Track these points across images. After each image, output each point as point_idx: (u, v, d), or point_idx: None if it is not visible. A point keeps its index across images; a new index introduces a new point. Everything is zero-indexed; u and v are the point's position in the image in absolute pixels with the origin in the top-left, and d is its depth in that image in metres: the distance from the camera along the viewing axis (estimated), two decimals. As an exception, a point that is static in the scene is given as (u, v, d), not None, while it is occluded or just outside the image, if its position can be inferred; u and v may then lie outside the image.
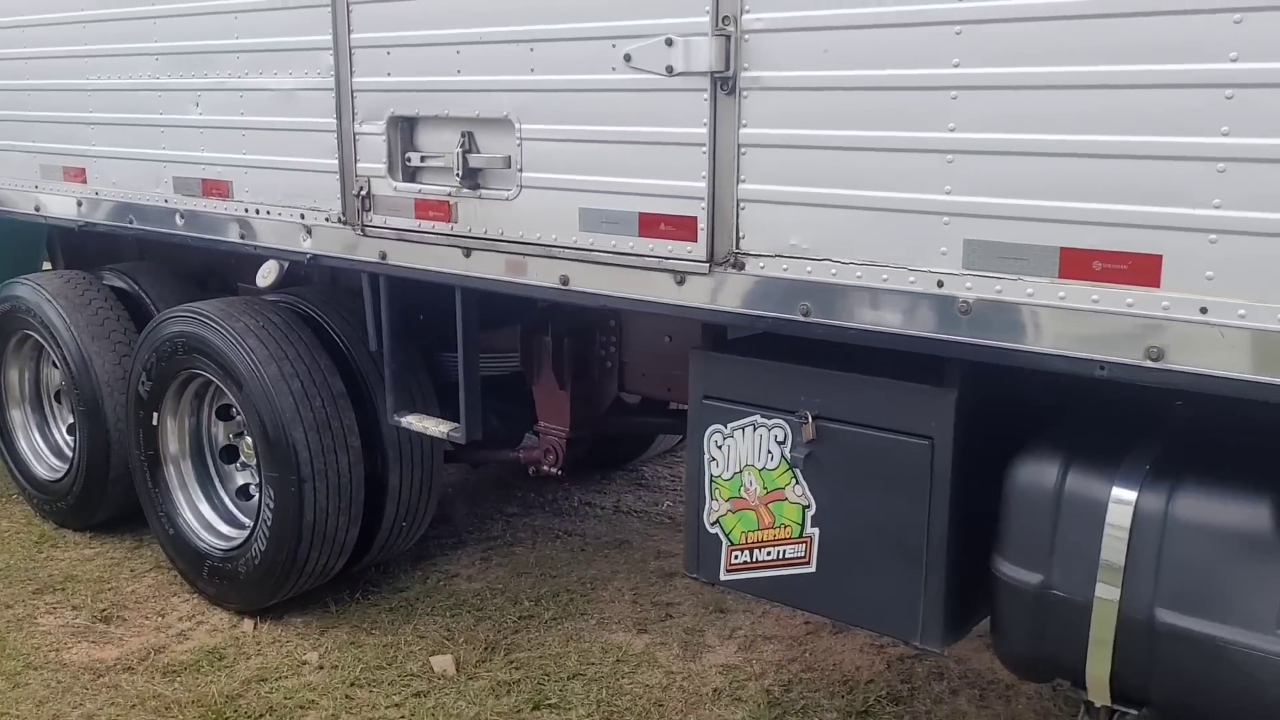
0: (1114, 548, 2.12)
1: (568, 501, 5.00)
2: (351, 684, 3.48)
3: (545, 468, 3.97)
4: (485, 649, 3.70)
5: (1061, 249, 2.02)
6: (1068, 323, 2.03)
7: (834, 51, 2.23)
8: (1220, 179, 1.84)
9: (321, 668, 3.58)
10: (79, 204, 4.09)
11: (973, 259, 2.12)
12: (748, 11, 2.33)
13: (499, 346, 3.99)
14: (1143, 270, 1.92)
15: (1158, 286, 1.92)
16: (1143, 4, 1.85)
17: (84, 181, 4.02)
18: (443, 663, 3.61)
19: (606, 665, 3.58)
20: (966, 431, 2.33)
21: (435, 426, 3.28)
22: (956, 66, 2.08)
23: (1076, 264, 2.00)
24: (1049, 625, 2.23)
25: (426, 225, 3.00)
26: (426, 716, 3.29)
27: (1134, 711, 2.20)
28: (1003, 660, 2.41)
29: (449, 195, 2.93)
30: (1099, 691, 2.19)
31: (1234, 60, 1.80)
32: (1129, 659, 2.13)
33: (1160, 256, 1.91)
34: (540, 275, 2.78)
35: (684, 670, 3.55)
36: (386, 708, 3.35)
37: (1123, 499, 2.13)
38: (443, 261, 2.98)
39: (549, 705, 3.36)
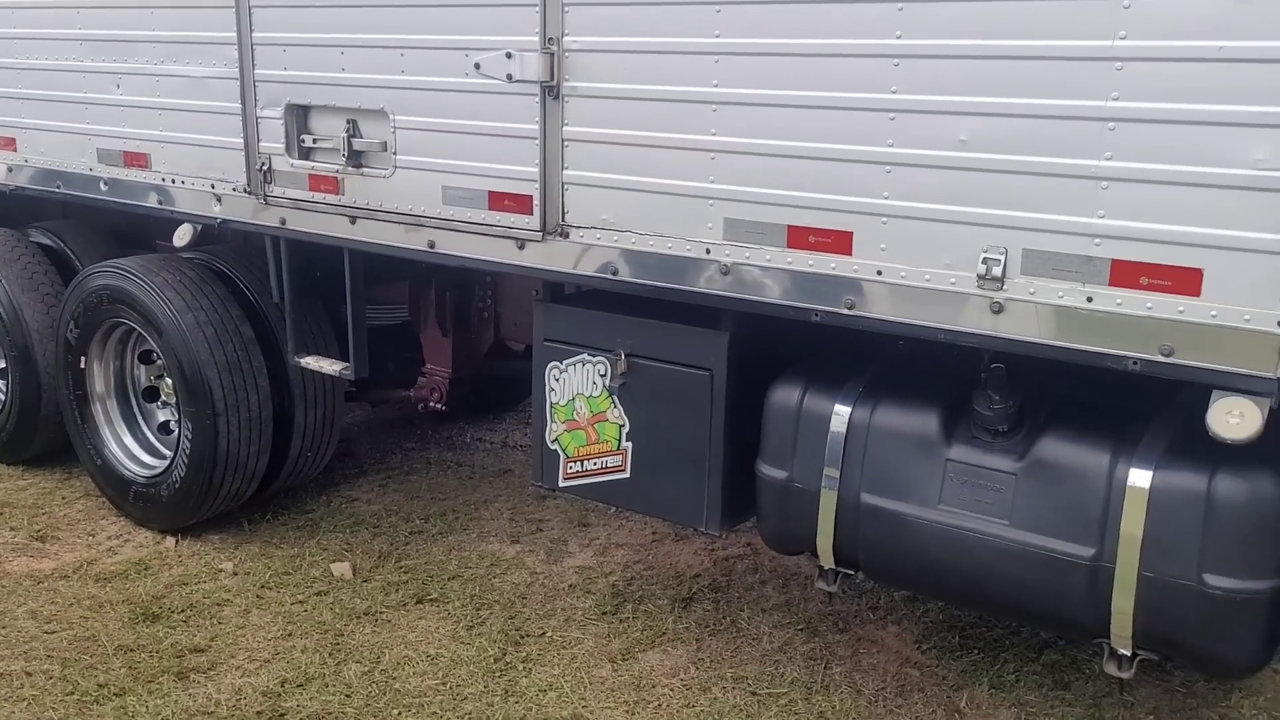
0: (834, 450, 2.89)
1: (460, 438, 5.67)
2: (262, 586, 4.14)
3: (432, 404, 4.65)
4: (379, 557, 4.38)
5: (788, 226, 2.75)
6: (793, 280, 2.77)
7: (631, 70, 2.92)
8: (888, 178, 2.58)
9: (236, 574, 4.23)
10: (9, 169, 4.61)
11: (730, 232, 2.84)
12: (567, 35, 3.01)
13: (392, 299, 4.65)
14: (841, 243, 2.66)
15: (851, 255, 2.67)
16: (814, 47, 2.57)
17: (14, 150, 4.54)
18: (341, 568, 4.28)
19: (481, 569, 4.29)
20: (737, 365, 3.07)
21: (329, 366, 3.94)
22: (716, 86, 2.79)
23: (798, 238, 2.73)
24: (791, 510, 3.00)
25: (319, 197, 3.64)
26: (326, 610, 3.97)
27: (851, 572, 2.98)
28: (764, 539, 3.18)
29: (337, 172, 3.57)
30: (826, 558, 2.96)
31: (894, 92, 2.53)
32: (845, 531, 2.91)
33: (851, 233, 2.65)
34: (412, 240, 3.45)
35: (546, 571, 4.28)
36: (291, 604, 4.01)
37: (840, 414, 2.89)
38: (332, 227, 3.62)
39: (430, 600, 4.06)
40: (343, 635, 3.80)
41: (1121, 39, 2.26)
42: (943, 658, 3.57)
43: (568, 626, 3.85)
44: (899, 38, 2.51)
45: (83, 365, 4.50)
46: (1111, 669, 2.64)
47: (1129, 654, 2.60)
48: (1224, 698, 3.36)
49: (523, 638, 3.79)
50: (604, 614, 3.94)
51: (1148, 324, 2.33)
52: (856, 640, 3.71)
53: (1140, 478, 2.49)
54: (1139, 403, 2.62)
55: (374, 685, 3.49)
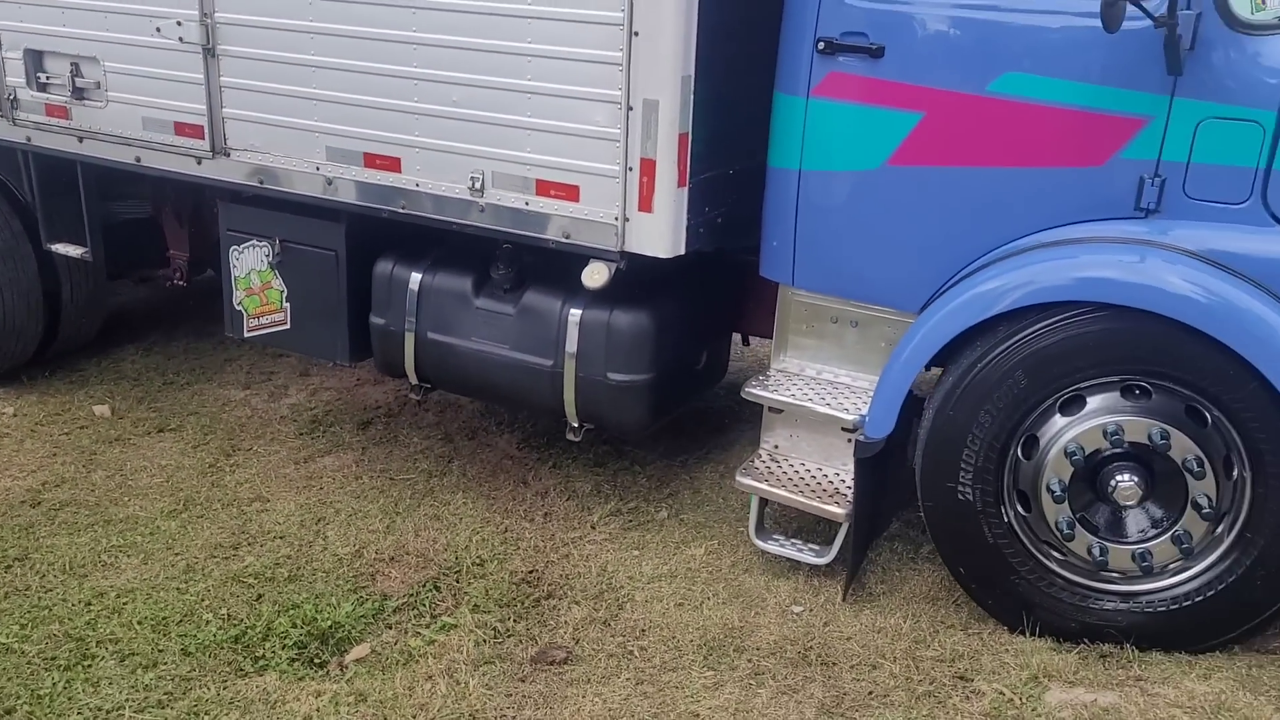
0: (411, 304, 4.39)
1: (214, 309, 6.99)
2: (36, 424, 5.48)
3: (176, 281, 5.97)
4: (134, 401, 5.75)
5: (364, 153, 4.18)
6: (369, 190, 4.22)
7: (261, 39, 4.27)
8: (417, 123, 4.03)
9: (16, 415, 5.55)
10: None
11: (330, 156, 4.27)
12: (217, 12, 4.33)
13: (141, 196, 5.91)
14: (393, 165, 4.12)
15: (400, 173, 4.12)
16: (369, 34, 3.97)
17: None
18: (102, 410, 5.65)
19: (215, 407, 5.70)
20: (352, 247, 4.51)
21: (74, 250, 5.24)
22: (313, 55, 4.18)
23: (370, 161, 4.17)
24: (389, 346, 4.50)
25: (53, 121, 4.89)
26: (85, 438, 5.34)
27: (428, 385, 4.53)
28: (377, 368, 4.69)
29: (66, 102, 4.83)
30: (412, 377, 4.50)
31: (415, 67, 3.96)
32: (420, 358, 4.44)
33: (400, 158, 4.10)
34: (123, 156, 4.76)
35: (265, 408, 5.73)
36: (59, 435, 5.37)
37: (415, 279, 4.39)
38: (65, 145, 4.90)
39: (170, 429, 5.47)
40: (96, 454, 5.19)
41: (530, 44, 3.72)
42: (530, 454, 5.17)
43: (270, 443, 5.32)
44: (414, 31, 3.93)
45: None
46: (570, 435, 4.28)
47: (578, 425, 4.22)
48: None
49: (234, 451, 5.25)
50: (300, 434, 5.42)
51: (557, 219, 3.88)
52: (478, 445, 5.29)
53: (575, 315, 4.07)
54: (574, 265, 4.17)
55: (113, 483, 4.91)
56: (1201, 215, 3.24)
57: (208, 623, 3.87)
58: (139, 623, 3.86)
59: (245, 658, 3.71)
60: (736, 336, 4.96)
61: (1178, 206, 3.26)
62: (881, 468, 3.67)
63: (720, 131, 3.82)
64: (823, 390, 3.93)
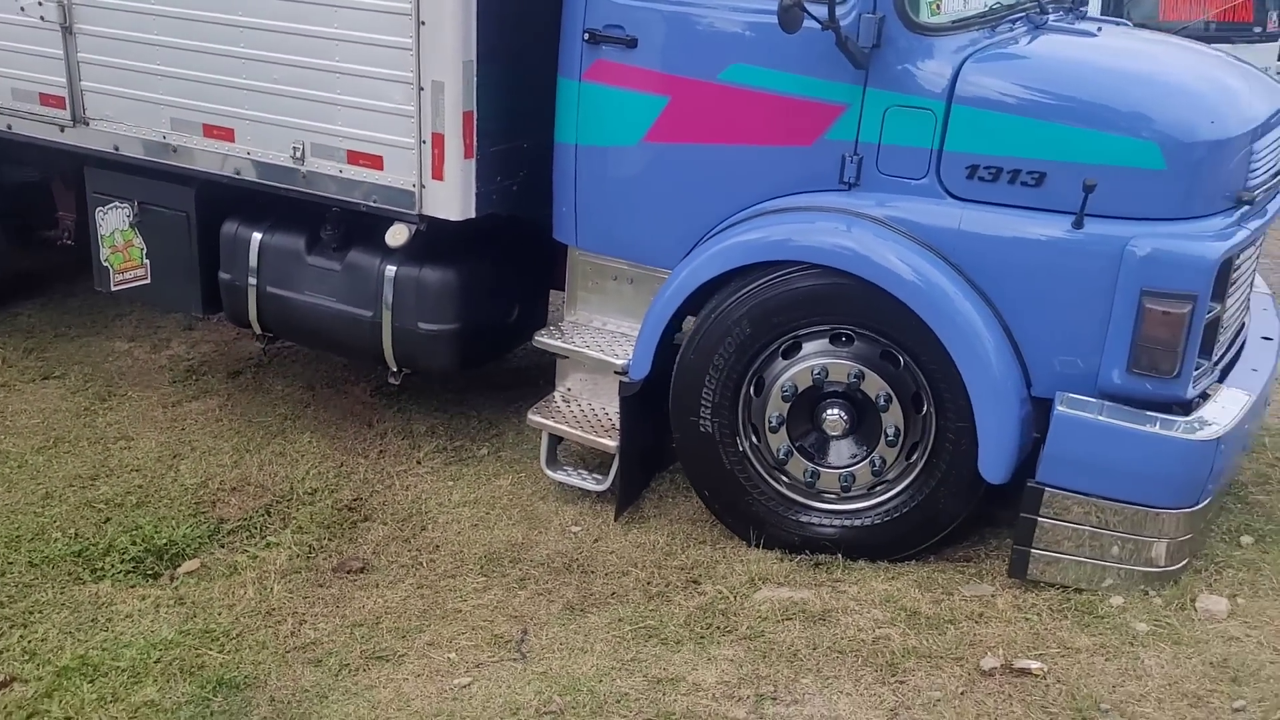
0: (253, 261, 4.91)
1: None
2: (-70, 370, 5.97)
3: (65, 240, 6.45)
4: (24, 352, 6.25)
5: (203, 124, 4.70)
6: (209, 158, 4.74)
7: (112, 19, 4.76)
8: (246, 97, 4.54)
9: (-89, 363, 6.04)
10: None
11: (174, 126, 4.78)
12: (73, -7, 4.82)
13: (30, 162, 6.37)
14: (228, 135, 4.63)
15: (234, 142, 4.64)
16: (203, 18, 4.48)
17: None
18: (-7, 359, 6.15)
19: (99, 357, 6.20)
20: (202, 209, 5.02)
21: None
22: (156, 35, 4.67)
23: (208, 131, 4.69)
24: (236, 299, 5.03)
25: (-67, 91, 5.36)
26: (-25, 383, 5.84)
27: (271, 335, 5.06)
28: (227, 319, 5.22)
29: (-56, 74, 5.31)
30: (256, 327, 5.04)
31: (242, 47, 4.48)
32: (263, 310, 4.97)
33: (233, 129, 4.61)
34: (4, 123, 5.25)
35: (146, 358, 6.24)
36: (-51, 380, 5.87)
37: (256, 239, 4.91)
38: (-56, 113, 5.38)
39: (55, 377, 5.97)
40: (-20, 398, 5.69)
41: (337, 29, 4.24)
42: (380, 400, 5.70)
43: (145, 390, 5.84)
44: (241, 15, 4.44)
45: None
46: (391, 380, 4.84)
47: (396, 369, 4.78)
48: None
49: (110, 396, 5.77)
50: (174, 382, 5.95)
51: (365, 185, 4.42)
52: (335, 392, 5.82)
53: (390, 271, 4.62)
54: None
55: (-9, 423, 5.43)
56: (891, 189, 3.82)
57: (55, 540, 4.41)
58: (-6, 539, 4.40)
59: (85, 569, 4.27)
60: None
61: (873, 181, 3.84)
62: (655, 407, 4.25)
63: (510, 110, 4.36)
64: (603, 339, 4.50)
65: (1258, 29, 11.29)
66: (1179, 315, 3.47)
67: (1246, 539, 4.05)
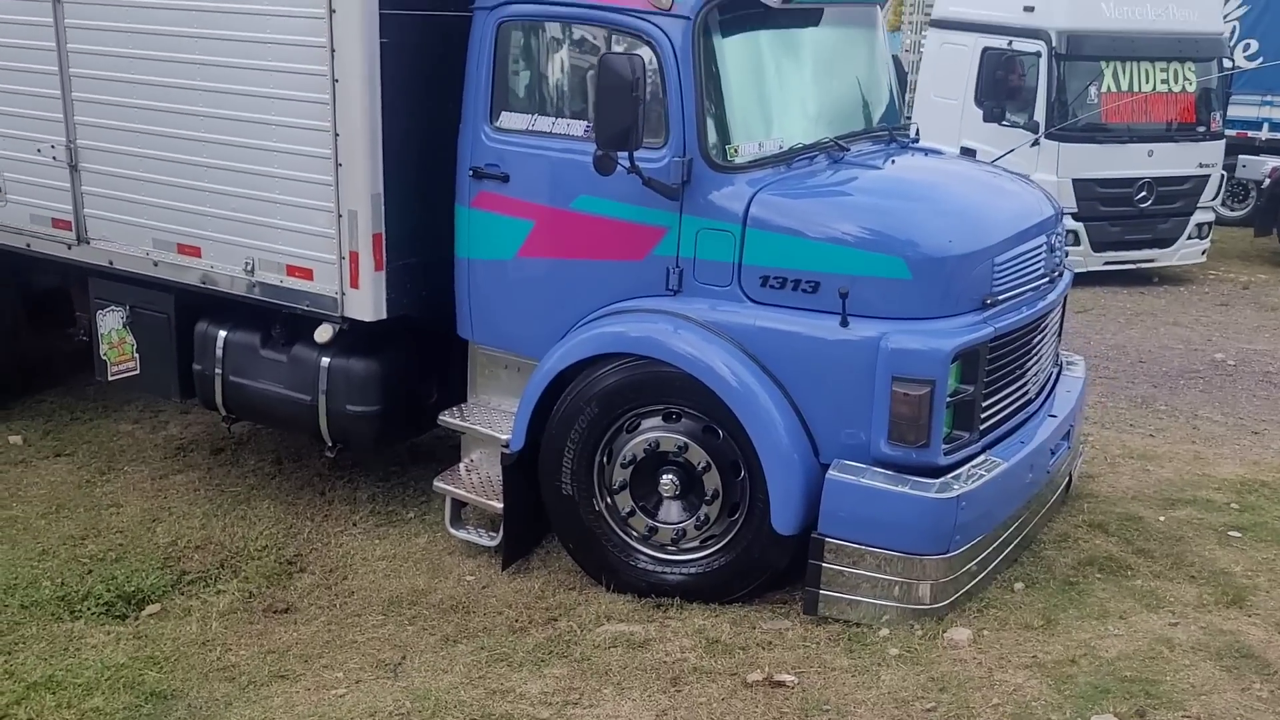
0: (219, 354, 5.92)
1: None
2: (-38, 450, 7.05)
3: (81, 336, 7.54)
4: (43, 433, 7.32)
5: (178, 243, 5.76)
6: (182, 271, 5.78)
7: (105, 160, 5.86)
8: (209, 221, 5.60)
9: (-54, 444, 7.13)
10: None
11: (156, 244, 5.85)
12: (78, 139, 5.94)
13: (54, 272, 7.49)
14: (195, 251, 5.68)
15: (201, 258, 5.68)
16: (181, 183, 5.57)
17: None
18: (15, 439, 7.22)
19: (106, 436, 7.21)
20: (180, 313, 6.06)
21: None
22: (141, 172, 5.76)
23: (183, 249, 5.73)
24: (207, 386, 6.03)
25: (-31, 216, 6.52)
26: (5, 452, 6.88)
27: (234, 416, 6.05)
28: (201, 404, 6.22)
29: (-23, 202, 6.46)
30: (221, 410, 6.03)
31: (205, 184, 5.56)
32: (227, 395, 5.97)
33: (200, 247, 5.66)
34: (18, 243, 6.39)
35: (145, 438, 7.26)
36: (-23, 457, 6.94)
37: (222, 335, 5.93)
38: (-24, 234, 6.53)
39: (65, 454, 7.01)
40: (1, 473, 6.73)
41: (276, 169, 5.29)
42: (336, 473, 6.64)
43: (139, 465, 6.85)
44: (204, 157, 5.52)
45: None
46: (327, 454, 5.80)
47: (331, 445, 5.73)
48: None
49: (109, 470, 6.79)
50: (165, 458, 6.96)
51: (302, 293, 5.42)
52: (299, 466, 6.77)
53: (325, 361, 5.59)
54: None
55: (7, 493, 6.46)
56: (705, 294, 4.73)
57: (45, 588, 5.38)
58: (-6, 587, 5.38)
59: (65, 611, 5.22)
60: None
61: (692, 288, 4.75)
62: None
63: (420, 230, 5.35)
64: (496, 418, 5.42)
65: (1200, 129, 12.12)
66: (919, 396, 4.30)
67: (1019, 585, 4.80)
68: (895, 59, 6.01)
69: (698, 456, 4.76)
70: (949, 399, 4.42)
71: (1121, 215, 11.62)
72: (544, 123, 4.96)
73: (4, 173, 6.34)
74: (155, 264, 5.91)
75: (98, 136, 5.89)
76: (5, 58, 6.14)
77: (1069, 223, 10.99)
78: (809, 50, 5.31)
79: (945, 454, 4.48)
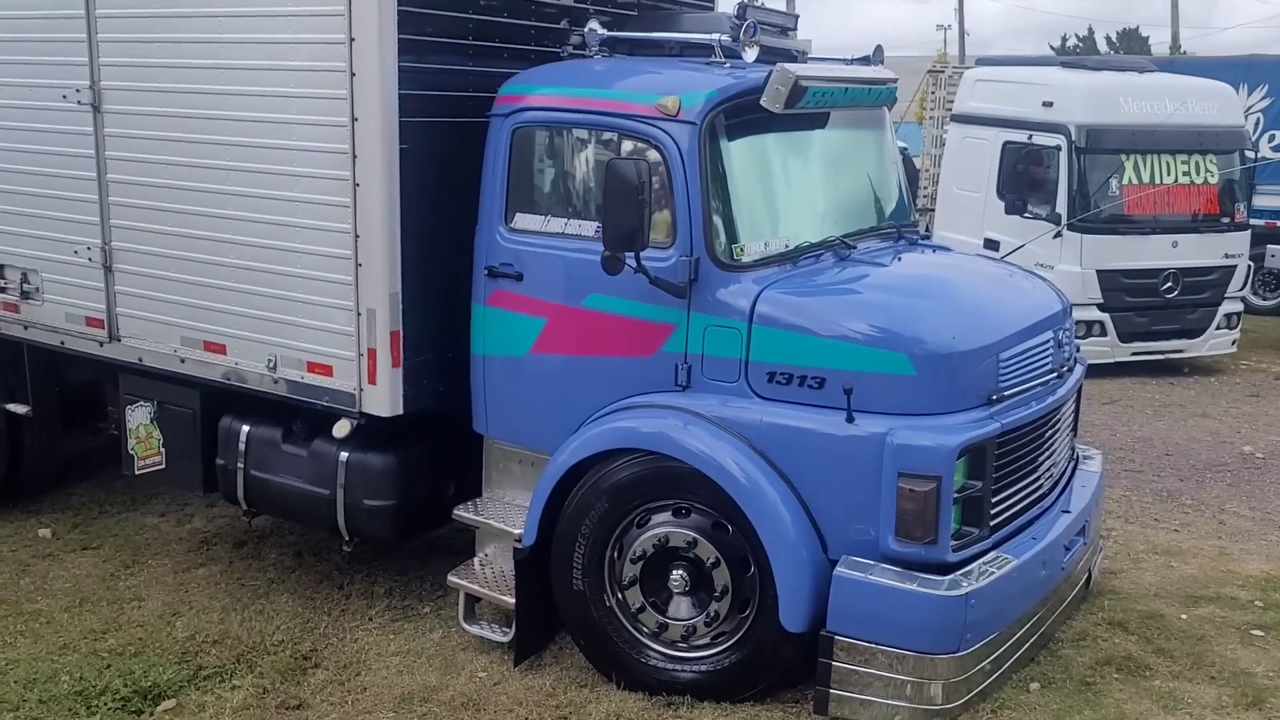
0: (242, 449, 6.04)
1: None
2: (-8, 543, 7.20)
3: (112, 430, 7.71)
4: (71, 527, 7.45)
5: (204, 341, 5.93)
6: (209, 368, 5.94)
7: (137, 261, 6.09)
8: (234, 320, 5.77)
9: (-24, 535, 7.27)
10: None
11: (184, 341, 6.02)
12: (113, 241, 6.18)
13: (86, 366, 7.71)
14: (221, 349, 5.84)
15: (226, 355, 5.84)
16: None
17: None
18: (44, 532, 7.35)
19: (132, 530, 7.33)
20: (204, 407, 6.21)
21: (19, 408, 7.04)
22: (171, 274, 5.97)
23: (208, 347, 5.90)
24: (229, 480, 6.14)
25: (8, 315, 6.75)
26: (25, 553, 7.01)
27: (255, 510, 6.15)
28: (223, 498, 6.32)
29: (17, 301, 6.69)
30: (243, 503, 6.13)
31: (232, 283, 5.75)
32: (248, 488, 6.07)
33: (225, 344, 5.82)
34: (53, 340, 6.60)
35: (170, 531, 7.37)
36: (5, 551, 7.07)
37: (245, 430, 6.06)
38: (15, 332, 6.76)
39: (92, 548, 7.12)
40: (30, 565, 6.86)
41: (298, 270, 5.47)
42: (354, 566, 6.70)
43: (162, 558, 6.96)
44: (231, 259, 5.71)
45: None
46: (345, 548, 5.85)
47: (348, 538, 5.79)
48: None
49: (134, 564, 6.89)
50: (188, 552, 7.06)
51: (318, 389, 5.55)
52: (318, 560, 6.84)
53: (344, 456, 5.69)
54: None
55: (34, 586, 6.56)
56: (714, 390, 4.79)
57: (63, 682, 5.44)
58: (15, 681, 5.45)
59: (82, 706, 5.26)
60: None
61: (700, 383, 4.82)
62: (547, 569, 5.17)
63: (433, 328, 5.48)
64: (510, 512, 5.47)
65: (1225, 220, 12.17)
66: (925, 492, 4.31)
67: (1035, 685, 4.73)
68: (905, 154, 6.14)
69: (707, 552, 4.77)
70: (957, 495, 4.42)
71: (1147, 306, 11.60)
72: (556, 223, 5.11)
73: (42, 274, 6.58)
74: (182, 360, 6.08)
75: (132, 239, 6.12)
76: (47, 165, 6.43)
77: (1094, 314, 11.03)
78: (815, 150, 5.45)
79: (954, 550, 4.47)
